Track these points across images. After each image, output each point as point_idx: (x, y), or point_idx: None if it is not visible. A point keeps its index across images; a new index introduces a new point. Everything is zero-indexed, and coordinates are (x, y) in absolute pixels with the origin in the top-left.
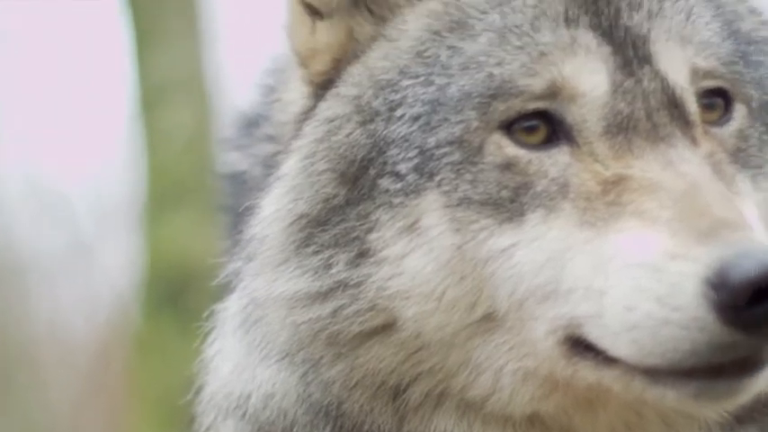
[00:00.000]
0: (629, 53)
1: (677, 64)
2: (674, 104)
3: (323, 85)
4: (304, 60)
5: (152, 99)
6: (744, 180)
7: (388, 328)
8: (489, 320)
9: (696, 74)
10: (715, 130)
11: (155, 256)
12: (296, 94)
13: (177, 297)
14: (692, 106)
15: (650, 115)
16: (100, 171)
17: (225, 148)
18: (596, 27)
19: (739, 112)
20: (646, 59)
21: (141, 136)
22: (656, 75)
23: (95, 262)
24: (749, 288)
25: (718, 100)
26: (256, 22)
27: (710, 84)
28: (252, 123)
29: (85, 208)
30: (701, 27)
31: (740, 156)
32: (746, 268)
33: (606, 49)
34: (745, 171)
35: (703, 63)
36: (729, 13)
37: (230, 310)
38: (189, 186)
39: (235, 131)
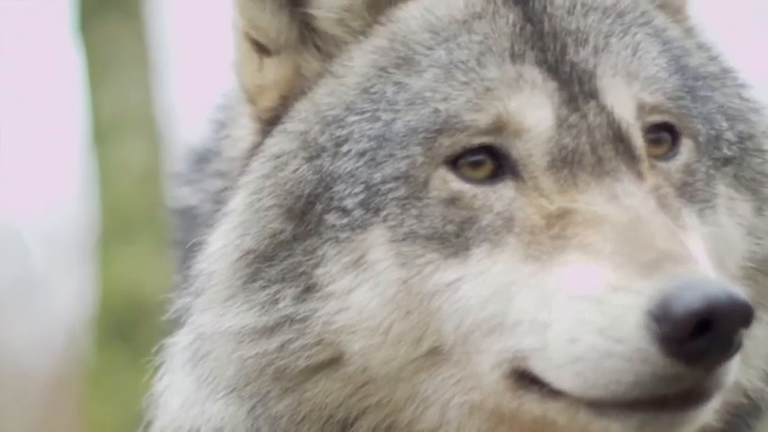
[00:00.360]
0: (575, 88)
1: (623, 99)
2: (619, 139)
3: (270, 122)
4: (252, 97)
5: (104, 134)
6: (690, 214)
7: (334, 362)
8: (436, 354)
9: (642, 109)
10: (661, 164)
11: (106, 290)
12: (244, 130)
13: (128, 331)
14: (638, 141)
15: (595, 150)
16: (52, 205)
17: (176, 182)
18: (542, 63)
19: (686, 146)
20: (592, 95)
21: (93, 170)
22: (602, 110)
23: (47, 296)
24: (691, 320)
25: (664, 135)
26: (208, 57)
27: (657, 118)
28: (202, 159)
29: (37, 242)
30: (647, 62)
31: (687, 190)
32: (688, 301)
33: (552, 85)
34: (691, 205)
35: (650, 98)
36: (677, 49)
37: (179, 344)
38: (141, 221)
39: (185, 166)
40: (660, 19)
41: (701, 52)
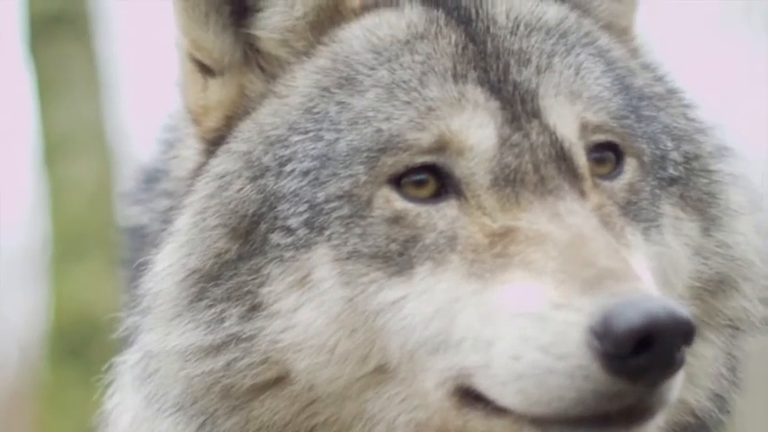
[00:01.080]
0: (518, 108)
1: (566, 118)
2: (562, 158)
3: (215, 142)
4: (196, 117)
5: (55, 152)
6: (634, 232)
7: (280, 381)
8: (381, 373)
9: (586, 128)
10: (605, 183)
11: (59, 308)
12: (190, 150)
13: (81, 349)
14: (581, 160)
15: (538, 168)
16: (3, 223)
17: (126, 201)
18: (484, 82)
19: (630, 165)
20: (534, 114)
21: (45, 189)
22: (545, 129)
23: (0, 314)
24: (632, 337)
25: (608, 154)
26: (159, 75)
27: (601, 138)
28: (152, 178)
29: None
30: (590, 82)
31: (631, 209)
32: (629, 317)
33: (494, 104)
34: (636, 224)
35: (593, 117)
36: (621, 69)
37: (128, 363)
38: (92, 239)
39: (135, 185)
40: (604, 39)
41: (647, 73)
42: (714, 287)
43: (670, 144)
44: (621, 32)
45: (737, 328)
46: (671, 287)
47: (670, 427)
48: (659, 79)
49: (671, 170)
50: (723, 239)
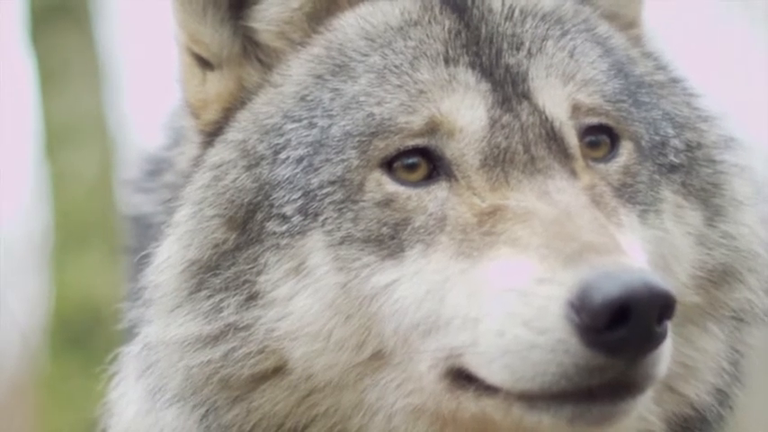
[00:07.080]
0: (509, 90)
1: (557, 99)
2: (552, 138)
3: (213, 134)
4: (196, 111)
5: (56, 141)
6: (628, 214)
7: (279, 370)
8: (378, 359)
9: (578, 109)
10: (600, 165)
11: (60, 297)
12: (190, 144)
13: (83, 338)
14: (572, 140)
15: (528, 148)
16: (4, 213)
17: (129, 189)
18: (476, 66)
19: (626, 148)
20: (525, 95)
21: (46, 178)
22: (535, 109)
23: (1, 304)
24: (607, 309)
25: (603, 137)
26: (160, 64)
27: (594, 120)
28: (157, 168)
29: None
30: (584, 65)
31: (626, 191)
32: (605, 290)
33: (485, 86)
34: (631, 206)
35: (586, 99)
36: (620, 56)
37: (132, 354)
38: (94, 228)
39: (139, 174)
40: (603, 27)
41: (648, 61)
42: (718, 278)
43: (671, 131)
44: (628, 25)
45: (741, 320)
46: (673, 275)
47: (670, 418)
48: (662, 68)
49: (672, 157)
50: (727, 230)
